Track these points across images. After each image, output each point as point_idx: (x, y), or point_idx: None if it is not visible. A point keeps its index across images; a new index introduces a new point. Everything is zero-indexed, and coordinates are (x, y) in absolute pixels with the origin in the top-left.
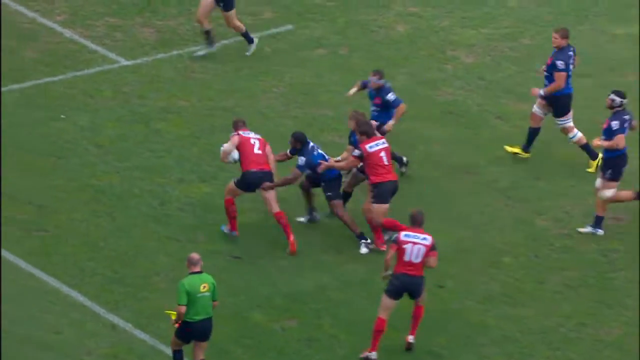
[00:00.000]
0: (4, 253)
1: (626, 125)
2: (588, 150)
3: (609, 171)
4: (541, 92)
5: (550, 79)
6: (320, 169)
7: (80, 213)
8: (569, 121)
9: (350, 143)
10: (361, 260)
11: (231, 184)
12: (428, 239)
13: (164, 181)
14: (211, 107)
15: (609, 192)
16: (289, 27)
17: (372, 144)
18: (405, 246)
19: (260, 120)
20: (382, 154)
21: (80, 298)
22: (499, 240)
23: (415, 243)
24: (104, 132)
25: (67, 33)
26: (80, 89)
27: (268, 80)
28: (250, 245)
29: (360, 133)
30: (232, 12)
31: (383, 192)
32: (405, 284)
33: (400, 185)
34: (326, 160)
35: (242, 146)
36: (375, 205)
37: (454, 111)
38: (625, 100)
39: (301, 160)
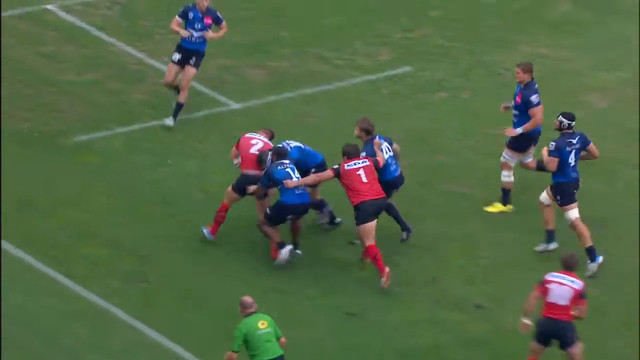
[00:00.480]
0: (106, 305)
1: (570, 148)
2: (505, 195)
3: (558, 197)
4: (519, 130)
5: (521, 117)
6: (287, 186)
7: (185, 263)
8: (515, 160)
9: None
10: (483, 319)
11: (229, 188)
12: (578, 283)
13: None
14: (325, 152)
15: (572, 214)
16: (408, 68)
17: (350, 162)
18: (549, 286)
19: None
20: (360, 172)
21: (185, 354)
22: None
23: (562, 284)
24: (212, 178)
25: None
26: (188, 132)
27: (384, 124)
28: (364, 299)
29: (342, 154)
30: (195, 73)
31: (363, 212)
32: (549, 328)
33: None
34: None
35: (242, 148)
36: (359, 227)
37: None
38: (572, 123)
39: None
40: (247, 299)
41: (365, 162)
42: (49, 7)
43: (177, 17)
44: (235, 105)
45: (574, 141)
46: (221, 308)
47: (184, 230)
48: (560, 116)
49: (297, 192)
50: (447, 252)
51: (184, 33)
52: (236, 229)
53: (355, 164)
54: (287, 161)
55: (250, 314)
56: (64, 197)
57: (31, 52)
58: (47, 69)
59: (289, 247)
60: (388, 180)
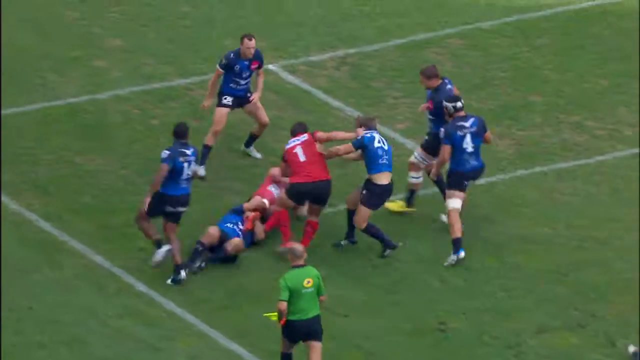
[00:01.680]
0: None
1: (462, 133)
2: (411, 197)
3: (449, 180)
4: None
5: (436, 122)
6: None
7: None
8: (426, 162)
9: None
10: None
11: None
12: None
13: (520, 327)
14: (581, 237)
15: (452, 203)
16: None
17: (293, 139)
18: None
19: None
20: (298, 149)
21: None
22: None
23: None
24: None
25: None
26: (419, 211)
27: None
28: None
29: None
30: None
31: (294, 194)
32: None
33: None
34: None
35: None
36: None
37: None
38: (458, 104)
39: (164, 153)
40: (299, 247)
41: (304, 137)
42: (271, 67)
43: (218, 68)
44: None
45: (467, 124)
46: None
47: (418, 321)
48: (444, 101)
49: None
50: None
51: (206, 104)
52: (483, 323)
53: (295, 140)
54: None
55: (299, 266)
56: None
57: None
58: (266, 136)
59: (165, 248)
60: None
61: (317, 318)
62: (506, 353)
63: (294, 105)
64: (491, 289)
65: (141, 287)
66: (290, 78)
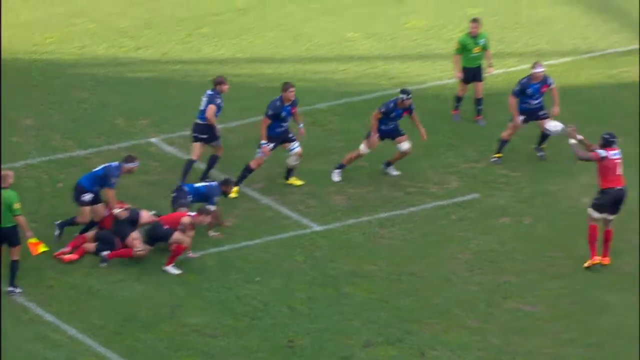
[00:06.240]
0: None
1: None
2: (243, 176)
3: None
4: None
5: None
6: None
7: None
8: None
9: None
10: None
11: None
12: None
13: (352, 343)
14: (399, 271)
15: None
16: (475, 195)
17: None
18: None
19: (445, 286)
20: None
21: None
22: None
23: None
24: (295, 295)
25: (265, 200)
26: (274, 252)
27: (453, 246)
28: None
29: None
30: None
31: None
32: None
33: None
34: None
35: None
36: None
37: None
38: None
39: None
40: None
41: None
42: (152, 140)
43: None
44: (317, 227)
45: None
46: None
47: (271, 341)
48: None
49: None
50: None
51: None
52: (324, 341)
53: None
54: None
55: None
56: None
57: (136, 180)
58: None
59: None
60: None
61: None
62: None
63: (172, 170)
64: (329, 313)
65: (48, 317)
66: (169, 149)
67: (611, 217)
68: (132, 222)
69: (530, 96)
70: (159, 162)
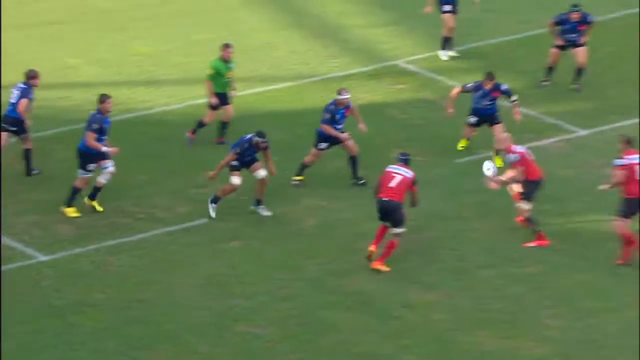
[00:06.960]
0: None
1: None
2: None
3: None
4: None
5: None
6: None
7: None
8: None
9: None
10: None
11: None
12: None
13: None
14: (128, 299)
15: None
16: (205, 220)
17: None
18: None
19: (175, 311)
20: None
21: None
22: None
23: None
24: (19, 328)
25: None
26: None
27: (184, 271)
28: None
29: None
30: None
31: None
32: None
33: None
34: None
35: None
36: None
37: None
38: None
39: None
40: None
41: None
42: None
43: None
44: (43, 257)
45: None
46: None
47: None
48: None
49: None
50: None
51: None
52: None
53: None
54: None
55: None
56: None
57: None
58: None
59: None
60: None
61: None
62: None
63: None
64: (55, 343)
65: None
66: None
67: None
68: None
69: (337, 121)
70: None
